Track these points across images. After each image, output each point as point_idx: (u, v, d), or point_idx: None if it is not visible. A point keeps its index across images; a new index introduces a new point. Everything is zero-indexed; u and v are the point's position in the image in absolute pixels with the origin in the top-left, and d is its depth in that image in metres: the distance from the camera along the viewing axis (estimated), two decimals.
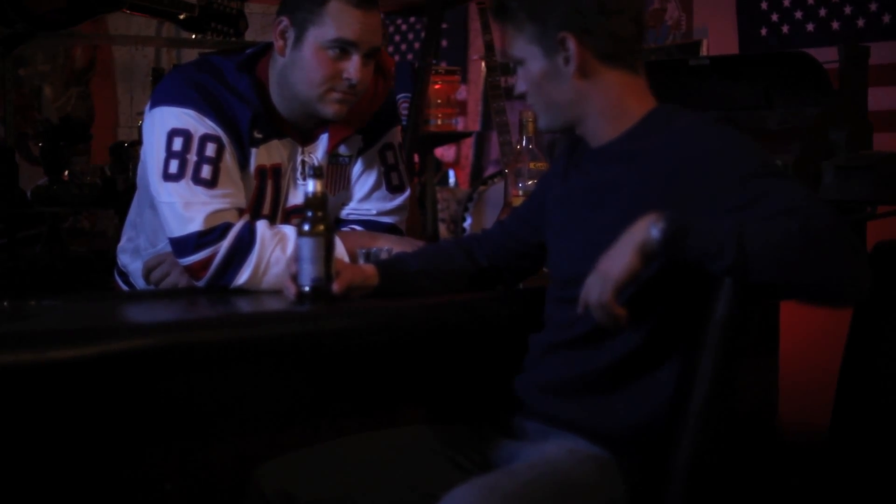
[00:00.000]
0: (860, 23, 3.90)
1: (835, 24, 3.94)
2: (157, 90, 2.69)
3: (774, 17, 4.11)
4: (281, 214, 2.76)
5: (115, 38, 4.30)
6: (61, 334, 1.93)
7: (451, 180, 5.00)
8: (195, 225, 2.54)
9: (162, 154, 2.60)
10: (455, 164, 5.31)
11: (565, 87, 2.23)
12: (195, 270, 2.56)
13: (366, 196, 2.90)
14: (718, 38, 4.40)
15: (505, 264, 2.56)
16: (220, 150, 2.60)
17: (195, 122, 2.59)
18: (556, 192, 2.39)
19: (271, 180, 2.72)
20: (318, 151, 2.79)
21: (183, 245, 2.55)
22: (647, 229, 2.00)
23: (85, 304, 2.41)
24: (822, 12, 3.97)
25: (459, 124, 4.76)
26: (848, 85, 3.10)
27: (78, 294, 2.59)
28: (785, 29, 4.05)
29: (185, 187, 2.56)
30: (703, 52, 4.41)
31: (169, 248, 2.69)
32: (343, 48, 2.60)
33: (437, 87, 4.33)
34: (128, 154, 3.65)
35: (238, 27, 3.88)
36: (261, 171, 2.69)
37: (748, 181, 2.04)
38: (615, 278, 2.01)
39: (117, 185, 3.62)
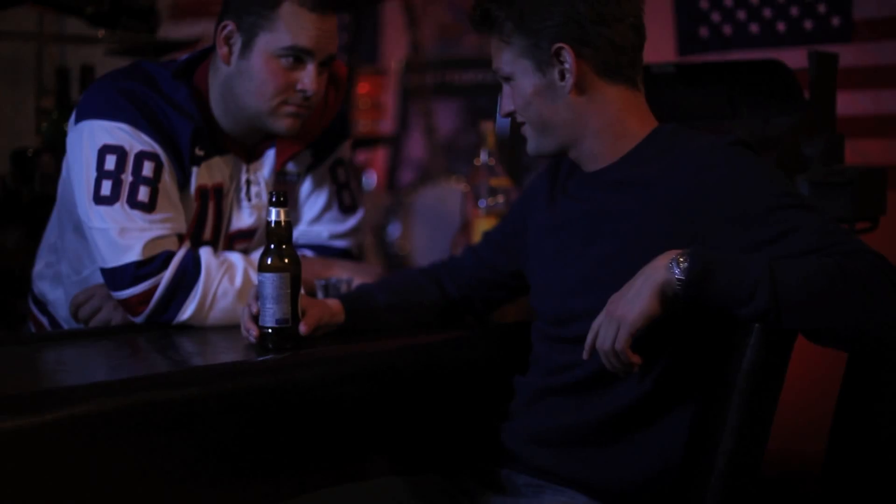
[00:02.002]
0: (808, 25, 3.76)
1: (780, 26, 3.80)
2: (84, 101, 2.39)
3: (716, 18, 3.95)
4: (224, 239, 2.50)
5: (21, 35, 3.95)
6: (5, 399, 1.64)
7: (370, 184, 4.75)
8: (132, 254, 2.27)
9: (92, 174, 2.31)
10: (366, 167, 5.07)
11: (561, 105, 2.01)
12: (133, 305, 2.28)
13: (316, 217, 2.65)
14: (654, 40, 4.22)
15: (477, 294, 2.34)
16: (159, 169, 2.32)
17: (130, 138, 2.31)
18: (539, 218, 2.17)
19: (213, 201, 2.45)
20: (265, 168, 2.53)
21: (119, 277, 2.27)
22: (667, 268, 1.80)
23: (15, 351, 2.11)
24: (768, 13, 3.82)
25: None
26: (820, 94, 2.94)
27: (1, 337, 2.29)
28: (727, 30, 3.89)
29: (119, 211, 2.28)
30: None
31: (97, 277, 2.39)
32: (297, 56, 2.33)
33: (364, 90, 4.07)
34: (33, 164, 3.33)
35: (150, 22, 3.57)
36: (202, 191, 2.42)
37: (773, 213, 1.85)
38: (631, 323, 1.81)
39: (21, 198, 3.29)
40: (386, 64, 4.77)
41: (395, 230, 4.03)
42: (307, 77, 2.35)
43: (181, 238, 2.33)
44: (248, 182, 2.50)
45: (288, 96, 2.36)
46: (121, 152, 2.30)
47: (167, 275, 2.26)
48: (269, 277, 2.04)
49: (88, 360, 2.11)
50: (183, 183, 2.38)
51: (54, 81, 3.54)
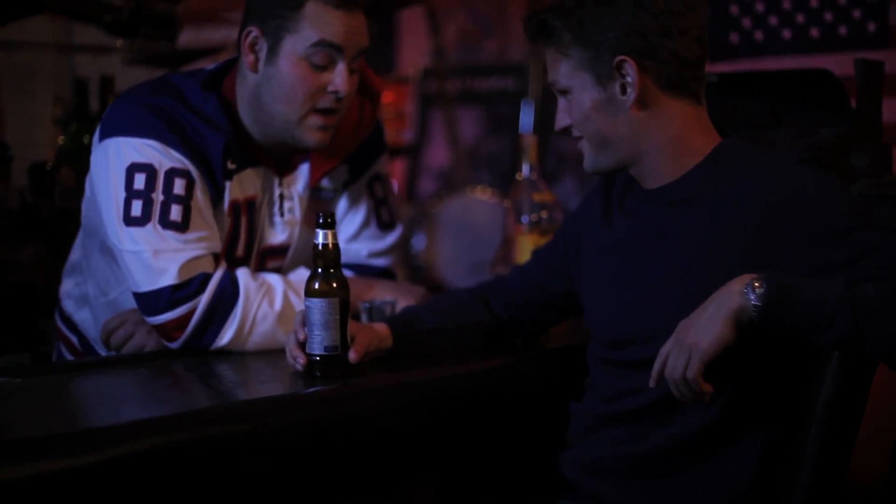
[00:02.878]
0: (842, 31, 3.67)
1: (814, 32, 3.71)
2: (109, 117, 2.29)
3: (746, 24, 3.86)
4: (256, 255, 2.40)
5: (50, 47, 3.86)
6: (46, 440, 1.54)
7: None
8: (168, 277, 2.17)
9: (121, 194, 2.22)
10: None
11: (621, 121, 1.93)
12: (169, 330, 2.19)
13: (354, 235, 2.55)
14: None
15: (526, 316, 2.26)
16: (190, 186, 2.22)
17: (159, 155, 2.21)
18: (594, 237, 2.08)
19: (245, 216, 2.36)
20: (299, 183, 2.43)
21: (154, 301, 2.18)
22: (741, 294, 1.72)
23: (47, 382, 2.01)
24: (801, 18, 3.73)
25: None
26: (866, 103, 2.85)
27: (32, 367, 2.19)
28: (758, 36, 3.80)
29: (152, 233, 2.19)
30: None
31: (125, 299, 2.32)
32: (326, 54, 2.23)
33: (387, 99, 3.97)
34: (51, 178, 3.23)
35: (170, 31, 3.47)
36: (234, 206, 2.33)
37: (850, 234, 1.77)
38: (704, 351, 1.73)
39: (41, 213, 3.20)
40: (403, 71, 4.68)
41: (419, 242, 3.94)
42: (338, 76, 2.25)
43: (217, 258, 2.24)
44: (282, 196, 2.41)
45: (318, 100, 2.26)
46: (150, 170, 2.20)
47: (205, 298, 2.17)
48: (316, 303, 1.95)
49: (126, 391, 2.02)
50: (216, 199, 2.29)
51: (72, 92, 3.46)
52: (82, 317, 2.49)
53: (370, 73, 2.48)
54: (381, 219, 2.57)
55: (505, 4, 4.74)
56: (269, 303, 2.21)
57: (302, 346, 1.99)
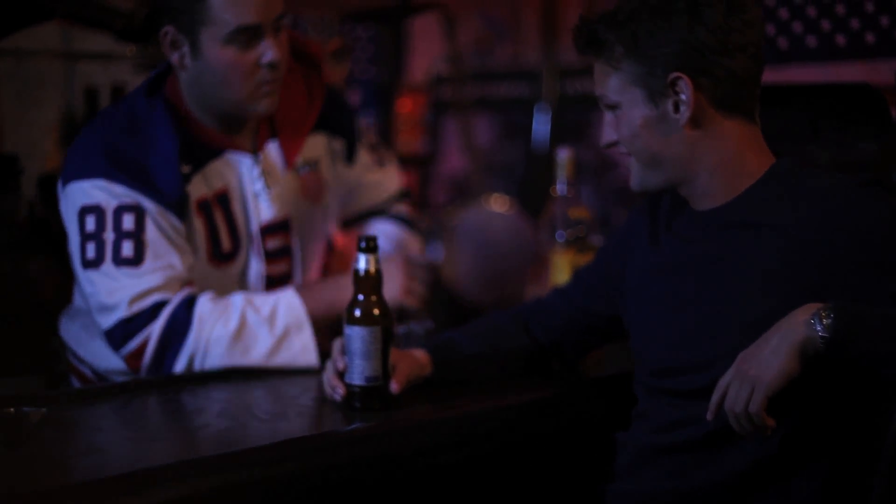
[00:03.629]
0: (870, 38, 3.58)
1: (840, 40, 3.62)
2: (65, 163, 2.27)
3: (770, 30, 3.77)
4: (255, 240, 2.35)
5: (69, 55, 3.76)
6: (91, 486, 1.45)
7: None
8: (120, 311, 2.15)
9: (76, 238, 2.21)
10: None
11: (673, 140, 1.84)
12: (130, 361, 2.17)
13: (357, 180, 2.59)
14: None
15: (567, 339, 2.17)
16: (140, 218, 2.18)
17: (105, 195, 2.18)
18: (641, 259, 1.99)
19: (219, 209, 2.31)
20: (277, 162, 2.38)
21: (113, 337, 2.18)
22: (807, 325, 1.63)
23: (72, 410, 1.92)
24: (826, 25, 3.65)
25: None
26: None
27: (57, 393, 2.10)
28: (783, 43, 3.72)
29: (106, 273, 2.17)
30: None
31: None
32: (246, 34, 2.18)
33: (405, 108, 3.87)
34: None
35: None
36: (202, 204, 2.28)
37: None
38: (768, 385, 1.65)
39: (51, 226, 3.10)
40: (413, 77, 4.58)
41: (436, 254, 3.83)
42: (267, 49, 2.20)
43: (180, 282, 2.20)
44: (265, 173, 2.35)
45: (256, 75, 2.21)
46: (98, 211, 2.18)
47: (157, 326, 2.14)
48: (357, 332, 1.86)
49: (154, 423, 1.93)
50: (181, 209, 2.23)
51: (81, 101, 3.36)
52: (91, 349, 2.41)
53: (305, 41, 2.44)
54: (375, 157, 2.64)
55: (519, 9, 4.65)
56: (224, 323, 2.16)
57: (341, 375, 1.91)
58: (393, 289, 2.25)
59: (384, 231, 2.62)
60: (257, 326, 2.16)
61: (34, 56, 3.78)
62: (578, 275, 2.19)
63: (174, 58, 2.23)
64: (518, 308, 2.22)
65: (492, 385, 2.08)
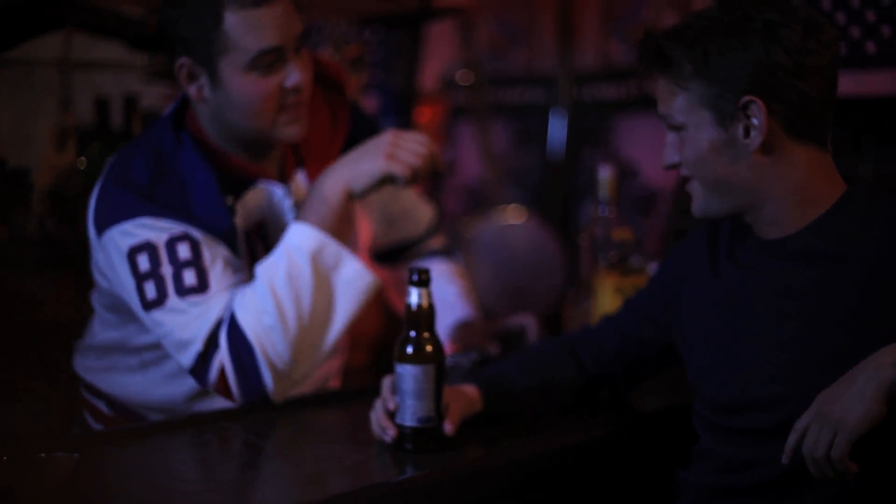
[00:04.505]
0: None
1: (870, 46, 3.53)
2: (96, 212, 2.13)
3: None
4: None
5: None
6: None
7: None
8: (196, 345, 2.02)
9: (131, 282, 2.05)
10: None
11: (741, 165, 1.74)
12: (221, 392, 2.04)
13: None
14: None
15: (619, 370, 2.07)
16: (195, 246, 2.05)
17: (152, 231, 2.04)
18: (701, 288, 1.89)
19: (259, 242, 2.18)
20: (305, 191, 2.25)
21: (199, 373, 2.03)
22: (895, 367, 1.53)
23: (110, 454, 1.82)
24: (856, 32, 3.55)
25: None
26: None
27: (89, 436, 1.99)
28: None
29: (172, 308, 2.03)
30: None
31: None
32: (269, 58, 2.05)
33: (424, 117, 3.76)
34: (74, 205, 3.02)
35: None
36: (247, 238, 2.16)
37: None
38: (852, 430, 1.55)
39: (66, 243, 2.99)
40: (423, 83, 4.47)
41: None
42: (291, 72, 2.07)
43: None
44: (297, 205, 2.21)
45: (281, 101, 2.09)
46: (150, 247, 2.04)
47: (223, 350, 2.00)
48: (410, 371, 1.76)
49: (193, 468, 1.82)
50: (231, 242, 2.10)
51: (93, 112, 3.25)
52: (114, 382, 2.30)
53: (326, 61, 2.30)
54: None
55: (534, 14, 4.54)
56: (262, 306, 2.01)
57: (391, 415, 1.80)
58: (376, 154, 2.10)
59: (435, 269, 2.47)
60: (288, 283, 2.03)
61: (28, 65, 3.66)
62: (630, 303, 2.09)
63: (192, 90, 2.10)
64: (566, 337, 2.12)
65: (544, 421, 1.98)
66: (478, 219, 3.81)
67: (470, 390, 1.93)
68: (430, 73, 4.48)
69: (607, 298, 2.34)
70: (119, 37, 3.18)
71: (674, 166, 1.82)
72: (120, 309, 2.22)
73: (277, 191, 2.20)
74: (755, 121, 1.70)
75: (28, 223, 2.96)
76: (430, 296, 1.77)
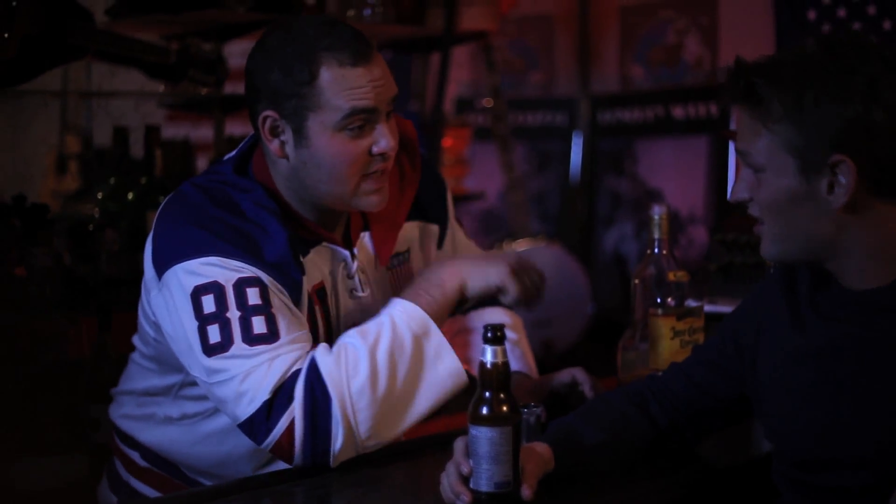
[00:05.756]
0: None
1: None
2: (158, 247, 2.01)
3: (826, 30, 3.60)
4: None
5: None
6: None
7: None
8: (262, 395, 1.88)
9: (192, 324, 1.92)
10: None
11: (822, 220, 1.65)
12: (278, 451, 1.90)
13: None
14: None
15: (689, 422, 1.99)
16: (265, 292, 1.92)
17: (221, 270, 1.92)
18: (780, 339, 1.81)
19: (318, 305, 2.07)
20: (369, 257, 2.15)
21: (257, 426, 1.89)
22: None
23: None
24: (888, 25, 3.48)
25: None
26: None
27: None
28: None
29: (237, 355, 1.89)
30: None
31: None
32: (361, 119, 1.96)
33: (448, 142, 3.67)
34: (92, 239, 2.92)
35: (218, 74, 3.16)
36: (308, 298, 2.04)
37: None
38: None
39: (85, 280, 2.88)
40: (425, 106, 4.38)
41: None
42: (381, 138, 1.98)
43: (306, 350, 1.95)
44: (362, 271, 2.12)
45: (367, 167, 1.99)
46: (217, 288, 1.91)
47: (297, 404, 1.87)
48: (485, 433, 1.66)
49: None
50: (296, 297, 1.98)
51: (112, 141, 3.16)
52: (150, 433, 2.20)
53: (397, 118, 2.17)
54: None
55: (552, 37, 4.47)
56: (355, 370, 1.89)
57: (465, 479, 1.70)
58: (502, 265, 2.03)
59: (491, 318, 2.38)
60: (389, 355, 1.92)
61: (26, 94, 3.56)
62: (700, 351, 2.00)
63: (273, 146, 1.99)
64: (634, 387, 2.03)
65: (616, 479, 1.89)
66: (501, 246, 3.73)
67: (542, 449, 1.83)
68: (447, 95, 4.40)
69: (665, 342, 2.24)
70: (139, 65, 3.09)
71: (743, 202, 1.74)
72: (163, 360, 2.11)
73: (340, 254, 2.10)
74: (842, 179, 1.62)
75: (47, 260, 2.85)
76: (505, 353, 1.68)
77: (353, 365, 1.90)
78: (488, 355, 1.68)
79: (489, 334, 1.68)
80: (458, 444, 1.73)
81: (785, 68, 1.64)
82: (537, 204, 4.33)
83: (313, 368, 1.89)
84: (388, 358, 1.91)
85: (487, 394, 1.67)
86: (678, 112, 4.06)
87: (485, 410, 1.67)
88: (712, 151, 3.93)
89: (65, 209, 3.38)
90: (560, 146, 4.35)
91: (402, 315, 1.96)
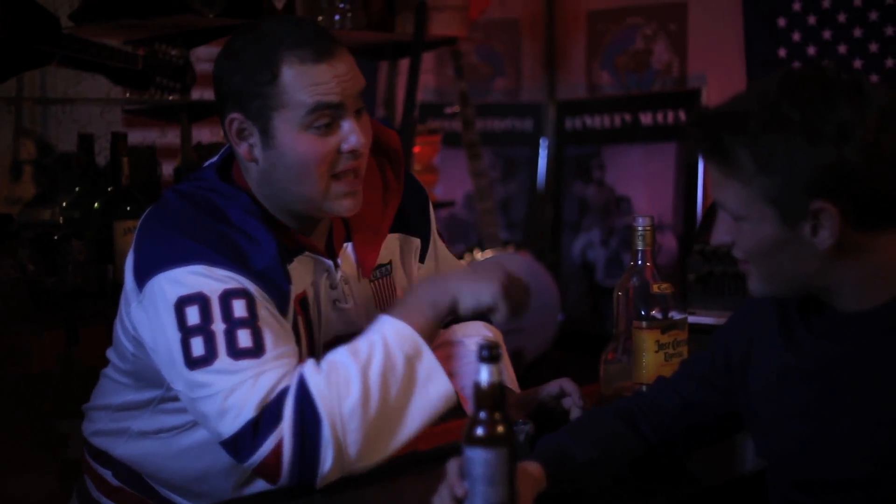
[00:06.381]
0: None
1: (873, 47, 3.45)
2: (140, 257, 1.96)
3: (796, 37, 3.58)
4: (321, 353, 2.00)
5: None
6: None
7: None
8: (247, 413, 1.82)
9: (175, 336, 1.87)
10: None
11: (809, 260, 1.64)
12: (262, 471, 1.85)
13: None
14: (721, 80, 3.91)
15: (680, 438, 1.97)
16: (251, 303, 1.88)
17: (207, 280, 1.87)
18: (773, 358, 1.80)
19: (301, 315, 2.02)
20: (352, 268, 2.11)
21: (240, 444, 1.83)
22: None
23: None
24: (858, 32, 3.48)
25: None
26: None
27: None
28: (811, 51, 3.54)
29: (221, 370, 1.84)
30: (705, 100, 3.90)
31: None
32: (327, 115, 1.92)
33: (416, 149, 3.63)
34: (59, 249, 2.85)
35: (185, 81, 3.10)
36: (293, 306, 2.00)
37: None
38: None
39: (49, 292, 2.81)
40: (395, 113, 4.35)
41: None
42: (350, 133, 1.94)
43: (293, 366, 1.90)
44: (346, 282, 2.09)
45: (336, 166, 1.95)
46: (201, 300, 1.86)
47: (286, 423, 1.82)
48: (480, 455, 1.61)
49: None
50: (283, 307, 1.94)
51: (78, 147, 3.08)
52: (124, 448, 2.14)
53: (382, 128, 2.16)
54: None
55: (518, 41, 4.44)
56: (347, 390, 1.84)
57: (459, 502, 1.66)
58: (493, 281, 1.95)
59: (480, 333, 2.34)
60: (381, 375, 1.87)
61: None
62: (689, 368, 1.98)
63: (242, 149, 1.97)
64: (622, 403, 2.00)
65: (608, 498, 1.86)
66: (468, 254, 3.70)
67: (533, 468, 1.80)
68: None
69: (649, 356, 2.22)
70: (105, 71, 3.02)
71: (726, 246, 1.72)
72: (141, 376, 2.05)
73: (322, 265, 2.06)
74: (825, 223, 1.59)
75: (11, 272, 2.78)
76: (501, 373, 1.64)
77: (344, 385, 1.85)
78: (484, 374, 1.63)
79: (484, 353, 1.63)
80: (452, 466, 1.69)
81: (751, 119, 1.60)
82: (503, 211, 4.30)
83: (302, 387, 1.84)
84: (381, 379, 1.87)
85: (483, 414, 1.63)
86: (646, 118, 4.05)
87: (480, 431, 1.62)
88: (681, 158, 3.92)
89: (22, 216, 3.30)
90: (526, 152, 4.32)
91: (395, 335, 1.91)
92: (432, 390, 1.92)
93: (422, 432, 1.94)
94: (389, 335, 1.91)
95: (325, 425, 1.82)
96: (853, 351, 1.68)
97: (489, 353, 1.63)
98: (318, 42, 1.93)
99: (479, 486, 1.62)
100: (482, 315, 2.28)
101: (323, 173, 1.94)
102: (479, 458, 1.62)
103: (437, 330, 1.99)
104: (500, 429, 1.63)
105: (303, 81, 1.90)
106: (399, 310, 1.96)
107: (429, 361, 1.93)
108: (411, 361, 1.90)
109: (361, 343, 1.91)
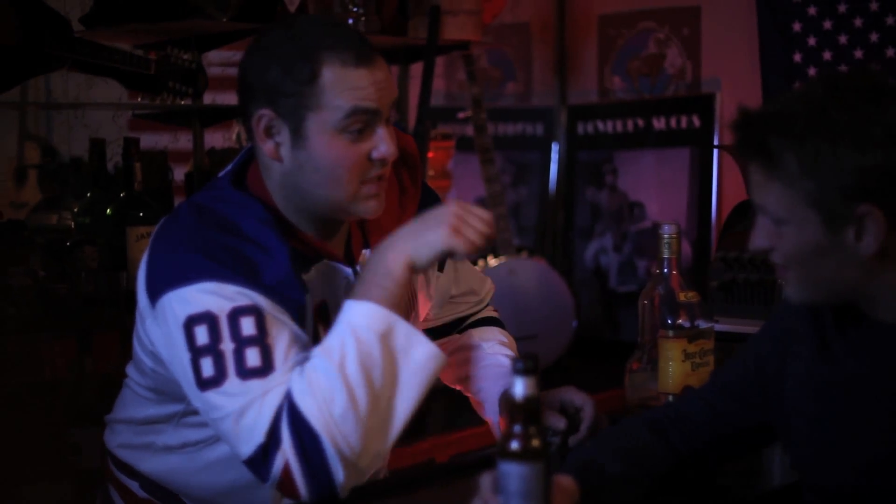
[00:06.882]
0: None
1: (890, 52, 3.42)
2: (151, 274, 1.93)
3: (812, 42, 3.55)
4: None
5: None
6: None
7: None
8: (259, 433, 1.80)
9: (186, 356, 1.85)
10: None
11: (850, 267, 1.61)
12: (284, 491, 1.83)
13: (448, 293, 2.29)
14: (735, 85, 3.88)
15: (711, 450, 1.94)
16: (261, 320, 1.84)
17: (215, 299, 1.84)
18: (808, 368, 1.77)
19: (321, 324, 1.99)
20: None
21: (259, 466, 1.81)
22: None
23: None
24: (874, 37, 3.44)
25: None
26: None
27: None
28: (826, 56, 3.50)
29: (229, 392, 1.82)
30: (718, 106, 3.87)
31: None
32: (362, 120, 1.90)
33: (430, 154, 3.60)
34: (71, 256, 2.81)
35: (198, 85, 3.06)
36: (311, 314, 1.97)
37: None
38: None
39: (64, 300, 2.77)
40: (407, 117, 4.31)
41: None
42: (381, 143, 1.92)
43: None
44: None
45: (366, 171, 1.93)
46: (210, 319, 1.83)
47: (286, 444, 1.79)
48: (516, 469, 1.58)
49: None
50: (300, 321, 1.91)
51: (89, 152, 3.05)
52: (149, 462, 2.10)
53: (399, 133, 2.13)
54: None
55: (529, 45, 4.41)
56: (331, 394, 1.80)
57: None
58: (439, 226, 1.88)
59: (496, 338, 2.32)
60: (360, 367, 1.82)
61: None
62: (720, 379, 1.95)
63: (268, 146, 1.93)
64: (652, 414, 1.97)
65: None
66: (484, 259, 3.66)
67: (567, 482, 1.76)
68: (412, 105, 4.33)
69: (676, 365, 2.19)
70: (117, 75, 2.99)
71: (763, 251, 1.69)
72: (162, 390, 2.02)
73: (342, 272, 2.02)
74: (870, 228, 1.56)
75: (24, 279, 2.74)
76: (536, 385, 1.60)
77: (328, 392, 1.81)
78: (519, 387, 1.60)
79: (519, 365, 1.60)
80: (486, 481, 1.66)
81: (797, 120, 1.57)
82: (513, 216, 4.26)
83: (292, 406, 1.81)
84: (361, 369, 1.82)
85: (518, 428, 1.60)
86: (659, 123, 4.01)
87: (515, 445, 1.59)
88: (694, 164, 3.89)
89: (30, 221, 3.27)
90: (537, 157, 4.29)
91: (361, 318, 1.86)
92: (416, 356, 1.87)
93: (423, 400, 1.90)
94: (355, 320, 1.86)
95: (323, 440, 1.79)
96: (889, 363, 1.66)
97: (524, 366, 1.60)
98: (360, 47, 1.92)
99: (515, 500, 1.59)
100: (496, 321, 2.28)
101: (352, 178, 1.92)
102: (514, 473, 1.59)
103: (403, 293, 1.91)
104: (536, 443, 1.59)
105: (343, 84, 1.88)
106: (357, 290, 1.91)
107: (403, 330, 1.87)
108: (385, 338, 1.85)
109: (332, 339, 1.86)
